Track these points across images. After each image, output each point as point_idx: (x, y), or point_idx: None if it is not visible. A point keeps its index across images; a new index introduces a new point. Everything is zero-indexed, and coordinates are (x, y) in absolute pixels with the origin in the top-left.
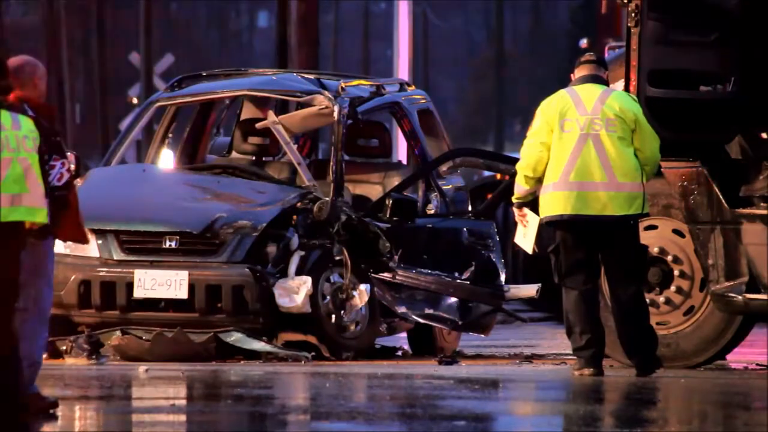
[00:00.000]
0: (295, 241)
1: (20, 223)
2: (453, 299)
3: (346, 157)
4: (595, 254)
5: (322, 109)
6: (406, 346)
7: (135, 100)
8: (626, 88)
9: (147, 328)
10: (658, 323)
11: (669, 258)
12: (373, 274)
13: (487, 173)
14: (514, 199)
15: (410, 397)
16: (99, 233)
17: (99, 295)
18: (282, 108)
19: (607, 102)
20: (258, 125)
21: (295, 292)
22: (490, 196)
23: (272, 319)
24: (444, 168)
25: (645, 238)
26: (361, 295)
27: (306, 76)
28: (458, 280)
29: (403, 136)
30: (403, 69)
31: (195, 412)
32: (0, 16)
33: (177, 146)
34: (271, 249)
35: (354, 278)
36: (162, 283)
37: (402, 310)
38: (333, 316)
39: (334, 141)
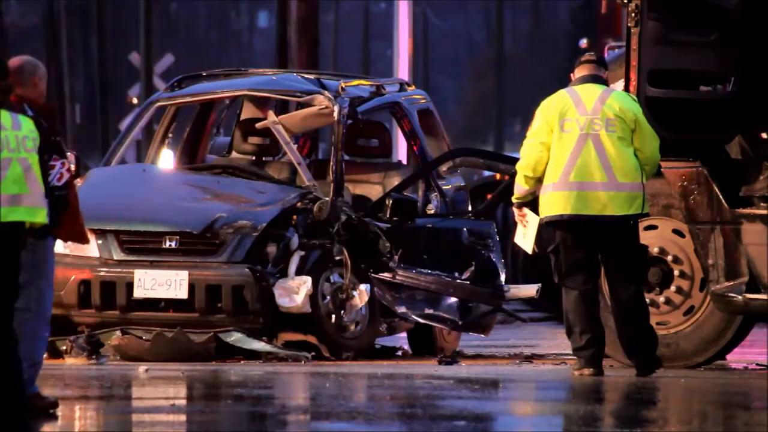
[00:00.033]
0: (295, 241)
1: (20, 223)
2: (453, 299)
3: (346, 157)
4: (595, 254)
5: (322, 109)
6: (406, 346)
7: (135, 100)
8: (626, 88)
9: (147, 328)
10: (658, 323)
11: (669, 258)
12: (373, 274)
13: (487, 173)
14: (513, 199)
15: (410, 397)
16: (99, 233)
17: (99, 295)
18: (282, 108)
19: (607, 102)
20: (258, 125)
21: (295, 292)
22: (490, 196)
23: (272, 319)
24: (444, 168)
25: (645, 238)
26: (361, 295)
27: (306, 76)
28: (458, 280)
29: (403, 136)
30: (403, 69)
31: (195, 412)
32: (0, 16)
33: (177, 146)
34: (271, 249)
35: (354, 278)
36: (162, 283)
37: (402, 310)
38: (333, 316)
39: (334, 141)
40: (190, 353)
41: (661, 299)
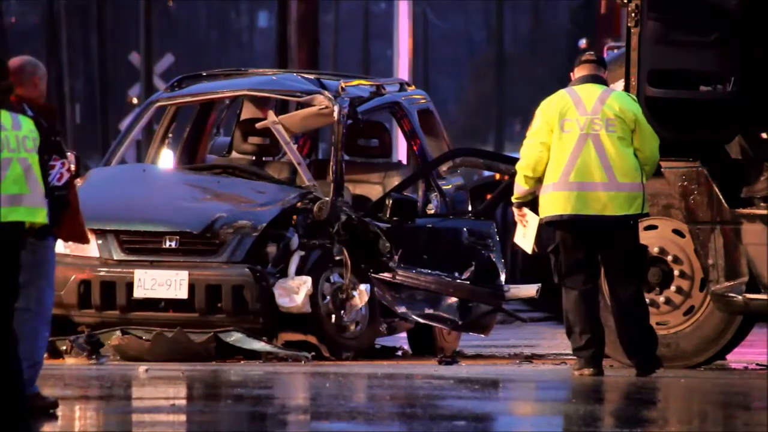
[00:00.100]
0: (295, 241)
1: (20, 223)
2: (453, 299)
3: (346, 157)
4: (594, 254)
5: (322, 109)
6: (406, 346)
7: (135, 100)
8: (626, 88)
9: (147, 328)
10: (658, 323)
11: (669, 258)
12: (373, 274)
13: (487, 173)
14: (513, 199)
15: (410, 397)
16: (99, 233)
17: (99, 295)
18: (282, 108)
19: (607, 102)
20: (258, 125)
21: (295, 292)
22: (490, 196)
23: (272, 319)
24: (444, 168)
25: (645, 238)
26: (361, 295)
27: (306, 76)
28: (458, 280)
29: (403, 136)
30: (403, 69)
31: (195, 412)
32: (0, 16)
33: (177, 146)
34: (271, 249)
35: (354, 278)
36: (162, 283)
37: (402, 310)
38: (333, 316)
39: (334, 141)
40: (190, 353)
41: (661, 299)
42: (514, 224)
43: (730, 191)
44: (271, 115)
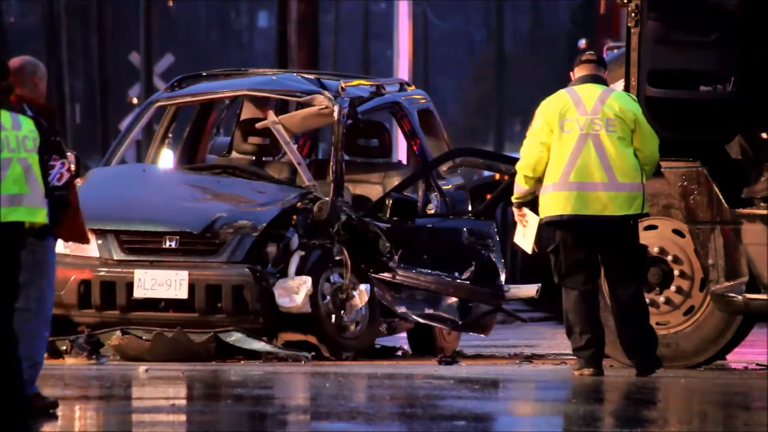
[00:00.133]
0: (295, 241)
1: (20, 223)
2: (453, 299)
3: (346, 157)
4: (594, 254)
5: (322, 109)
6: (406, 346)
7: (135, 100)
8: (626, 88)
9: (147, 328)
10: (658, 323)
11: (669, 258)
12: (373, 274)
13: (487, 173)
14: (513, 199)
15: (410, 397)
16: (99, 233)
17: (99, 295)
18: (282, 108)
19: (607, 102)
20: (258, 125)
21: (295, 292)
22: (490, 196)
23: (272, 319)
24: (444, 168)
25: (645, 238)
26: (361, 295)
27: (306, 76)
28: (458, 280)
29: (403, 136)
30: (403, 69)
31: (195, 412)
32: (0, 16)
33: (177, 146)
34: (271, 249)
35: (354, 278)
36: (162, 283)
37: (402, 310)
38: (333, 316)
39: (334, 141)
40: (190, 353)
41: (661, 299)
42: (514, 224)
43: (730, 191)
44: (271, 115)
